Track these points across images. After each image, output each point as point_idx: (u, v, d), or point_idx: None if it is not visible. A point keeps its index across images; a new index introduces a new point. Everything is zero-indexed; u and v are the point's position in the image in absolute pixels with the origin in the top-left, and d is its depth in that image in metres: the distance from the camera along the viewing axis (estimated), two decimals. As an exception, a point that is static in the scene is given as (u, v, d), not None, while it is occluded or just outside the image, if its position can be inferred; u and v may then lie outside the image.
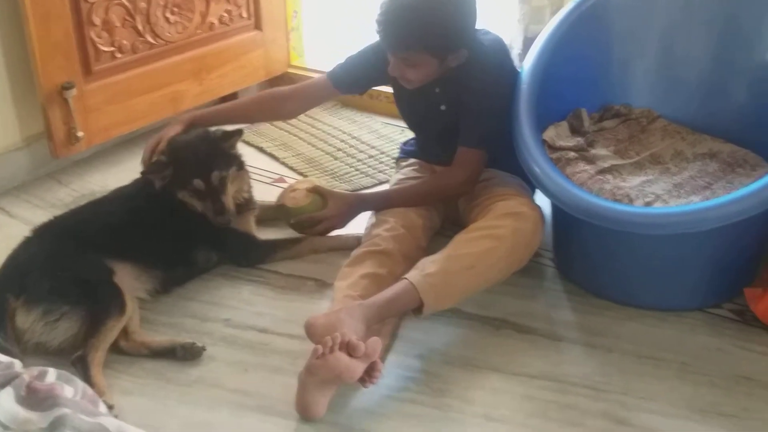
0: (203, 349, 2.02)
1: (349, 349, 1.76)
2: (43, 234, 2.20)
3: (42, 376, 1.46)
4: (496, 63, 2.28)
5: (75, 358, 1.94)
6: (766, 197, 1.90)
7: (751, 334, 2.07)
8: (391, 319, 2.05)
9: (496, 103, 2.25)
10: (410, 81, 2.24)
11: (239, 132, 2.36)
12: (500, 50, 2.32)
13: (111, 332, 1.99)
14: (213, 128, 2.39)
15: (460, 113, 2.28)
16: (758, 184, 1.93)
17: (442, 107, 2.35)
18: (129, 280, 2.14)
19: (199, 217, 2.30)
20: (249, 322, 2.16)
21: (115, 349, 2.02)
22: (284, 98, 2.54)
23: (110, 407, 1.82)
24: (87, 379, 1.88)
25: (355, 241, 2.31)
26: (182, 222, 2.29)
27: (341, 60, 2.46)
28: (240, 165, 2.38)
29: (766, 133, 2.25)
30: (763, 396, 1.88)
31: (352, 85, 2.48)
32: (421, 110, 2.42)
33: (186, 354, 2.01)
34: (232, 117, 2.54)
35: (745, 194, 1.92)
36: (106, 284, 2.07)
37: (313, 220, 2.39)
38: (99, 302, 2.02)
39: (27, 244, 2.17)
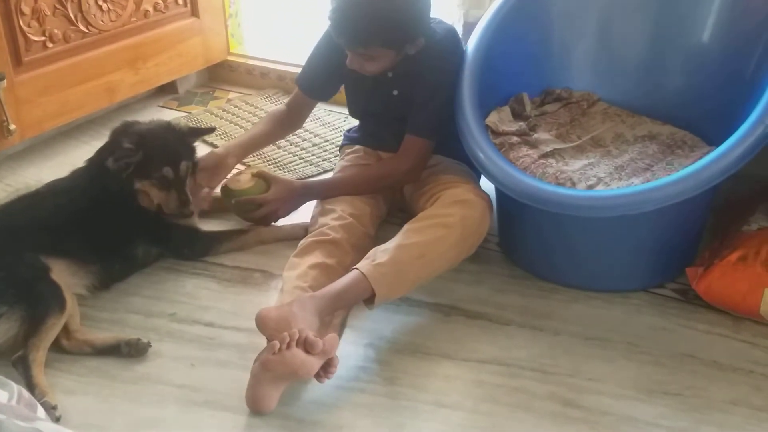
0: (149, 345, 1.98)
1: (306, 345, 1.74)
2: None
3: (-27, 382, 1.41)
4: (449, 53, 2.28)
5: (15, 359, 1.89)
6: (705, 178, 1.93)
7: (694, 312, 2.11)
8: (341, 310, 2.03)
9: (447, 93, 2.25)
10: (369, 72, 2.23)
11: (211, 129, 2.40)
12: (454, 41, 2.32)
13: (52, 330, 1.93)
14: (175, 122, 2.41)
15: (412, 100, 2.28)
16: (697, 165, 1.96)
17: (395, 92, 2.35)
18: (65, 276, 2.08)
19: (137, 209, 2.25)
20: (195, 316, 2.12)
21: (57, 348, 1.96)
22: (283, 118, 2.55)
23: (53, 407, 1.78)
24: (28, 379, 1.83)
25: (302, 231, 2.29)
26: (120, 215, 2.23)
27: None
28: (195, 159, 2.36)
29: (703, 114, 2.29)
30: (706, 373, 1.92)
31: (320, 90, 2.49)
32: (373, 95, 2.39)
33: (131, 350, 1.97)
34: (258, 143, 2.58)
35: (684, 175, 1.95)
36: (43, 281, 2.00)
37: (253, 202, 2.36)
38: (38, 300, 1.95)
39: None
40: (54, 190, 2.28)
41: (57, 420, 1.78)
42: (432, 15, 2.30)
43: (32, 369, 1.86)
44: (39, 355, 1.89)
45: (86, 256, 2.16)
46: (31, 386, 1.82)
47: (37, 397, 1.77)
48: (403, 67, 2.26)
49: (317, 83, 2.47)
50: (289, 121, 2.58)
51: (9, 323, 1.93)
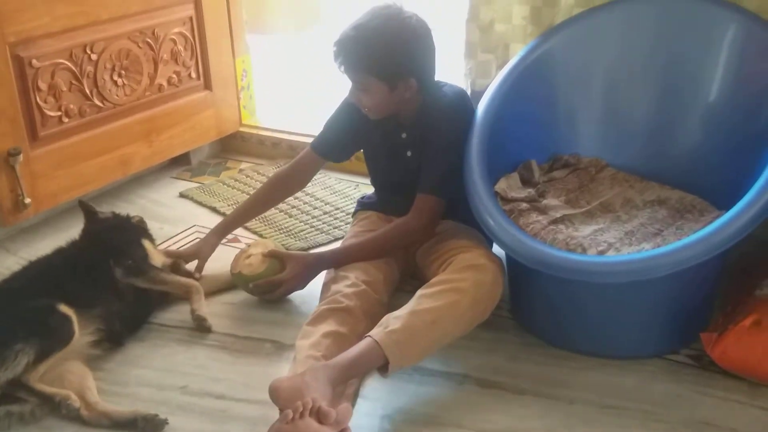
0: (165, 422, 1.96)
1: (319, 416, 1.73)
2: None
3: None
4: (457, 113, 2.33)
5: (10, 384, 1.98)
6: (716, 242, 1.93)
7: (710, 378, 2.08)
8: (354, 380, 2.02)
9: (454, 151, 2.28)
10: (366, 108, 2.30)
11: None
12: (463, 101, 2.37)
13: (51, 361, 2.05)
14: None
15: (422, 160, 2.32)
16: (708, 230, 1.95)
17: (408, 153, 2.40)
18: None
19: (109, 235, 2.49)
20: (206, 388, 2.11)
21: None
22: (287, 179, 2.64)
23: (75, 405, 1.96)
24: (39, 394, 1.98)
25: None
26: (96, 253, 2.39)
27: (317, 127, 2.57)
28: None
29: (712, 178, 2.30)
30: (724, 441, 1.89)
31: (333, 150, 2.55)
32: (389, 157, 2.45)
33: (147, 426, 1.95)
34: (252, 212, 2.68)
35: (695, 240, 1.95)
36: (53, 315, 2.10)
37: (271, 284, 2.38)
38: (48, 333, 2.06)
39: None
40: (42, 257, 2.41)
41: (77, 410, 1.96)
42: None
43: (36, 386, 1.99)
44: (34, 375, 2.00)
45: (85, 302, 2.22)
46: (46, 398, 1.98)
47: (62, 401, 1.96)
48: (414, 127, 2.33)
49: (328, 142, 2.53)
50: (292, 182, 2.64)
51: (27, 357, 2.01)
